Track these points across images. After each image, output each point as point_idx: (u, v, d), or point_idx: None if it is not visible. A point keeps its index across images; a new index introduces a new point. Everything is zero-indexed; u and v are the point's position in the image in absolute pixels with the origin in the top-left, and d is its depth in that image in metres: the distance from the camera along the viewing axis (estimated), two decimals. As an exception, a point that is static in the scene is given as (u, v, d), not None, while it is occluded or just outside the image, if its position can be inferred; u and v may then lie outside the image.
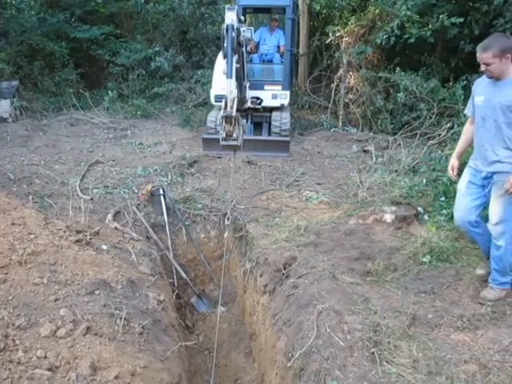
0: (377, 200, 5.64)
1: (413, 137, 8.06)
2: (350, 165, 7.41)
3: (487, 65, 3.29)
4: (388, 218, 5.04)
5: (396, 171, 6.74)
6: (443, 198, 5.32)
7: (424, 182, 5.76)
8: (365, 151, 8.07)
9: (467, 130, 3.82)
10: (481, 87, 3.54)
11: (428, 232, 4.78)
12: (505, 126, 3.34)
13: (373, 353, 2.96)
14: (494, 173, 3.44)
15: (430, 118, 8.19)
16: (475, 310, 3.48)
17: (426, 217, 5.10)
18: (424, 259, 4.20)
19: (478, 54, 3.34)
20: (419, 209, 5.19)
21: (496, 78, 3.37)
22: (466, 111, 3.83)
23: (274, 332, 3.73)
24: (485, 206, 3.67)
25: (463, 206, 3.67)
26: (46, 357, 2.88)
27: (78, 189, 6.05)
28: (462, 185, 3.72)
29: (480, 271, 3.91)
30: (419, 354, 2.96)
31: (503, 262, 3.53)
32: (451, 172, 3.82)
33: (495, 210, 3.45)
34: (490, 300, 3.52)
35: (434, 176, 5.97)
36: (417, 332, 3.19)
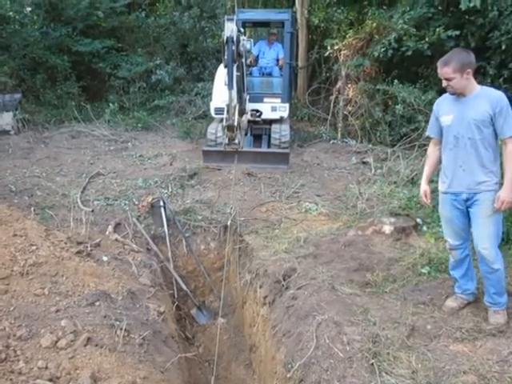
0: (376, 211, 5.68)
1: (411, 148, 8.10)
2: (349, 176, 7.46)
3: (448, 80, 3.25)
4: (387, 229, 5.06)
5: (395, 183, 6.78)
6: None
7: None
8: (364, 163, 8.12)
9: (432, 152, 3.69)
10: (446, 106, 3.45)
11: (427, 243, 4.81)
12: (480, 142, 3.26)
13: (372, 364, 2.97)
14: (475, 193, 3.33)
15: (429, 129, 8.24)
16: (474, 321, 3.49)
17: (424, 228, 5.13)
18: (423, 270, 4.22)
19: (438, 70, 3.31)
20: (418, 220, 5.22)
21: (459, 94, 3.32)
22: (428, 133, 3.71)
23: (274, 343, 3.75)
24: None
25: (453, 229, 3.56)
26: (47, 367, 2.90)
27: (78, 200, 6.08)
28: (445, 211, 3.60)
29: (453, 303, 3.66)
30: (418, 364, 2.97)
31: (501, 283, 3.42)
32: (425, 199, 3.72)
33: (486, 232, 3.32)
34: (503, 325, 3.36)
35: (432, 187, 6.00)
36: (416, 343, 3.21)
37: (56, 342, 3.16)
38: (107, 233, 5.29)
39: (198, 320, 5.33)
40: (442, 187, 3.57)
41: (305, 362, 3.10)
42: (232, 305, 5.44)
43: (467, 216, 3.45)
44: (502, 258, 3.37)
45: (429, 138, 8.04)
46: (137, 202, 6.12)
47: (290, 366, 3.20)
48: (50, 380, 2.79)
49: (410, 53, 8.66)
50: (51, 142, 9.29)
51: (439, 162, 3.74)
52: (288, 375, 3.13)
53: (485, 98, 3.25)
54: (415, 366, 2.96)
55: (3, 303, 3.40)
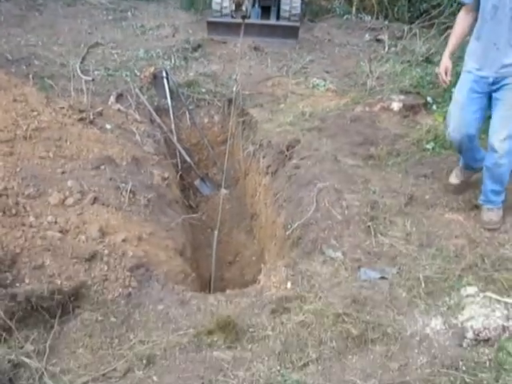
0: (385, 89, 5.52)
1: (430, 27, 7.61)
2: (360, 54, 7.11)
3: None
4: (395, 106, 4.96)
5: (408, 61, 6.49)
6: (454, 89, 5.19)
7: (436, 70, 5.56)
8: (378, 40, 7.70)
9: (463, 20, 3.13)
10: None
11: (435, 121, 4.75)
12: None
13: (368, 226, 3.09)
14: (505, 77, 2.90)
15: (451, 5, 7.65)
16: (472, 194, 3.54)
17: (434, 107, 5.03)
18: (427, 146, 4.21)
19: None
20: (428, 98, 5.10)
21: None
22: None
23: (275, 209, 3.88)
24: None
25: (463, 118, 3.13)
26: (56, 222, 3.02)
27: (78, 70, 5.88)
28: (460, 94, 3.16)
29: (455, 180, 3.55)
30: (413, 228, 3.10)
31: (502, 180, 3.14)
32: (444, 76, 3.20)
33: (506, 123, 2.95)
34: (497, 222, 3.17)
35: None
36: (412, 210, 3.30)
37: (64, 200, 3.26)
38: (109, 103, 5.19)
39: (201, 191, 5.46)
40: (466, 65, 3.11)
41: (304, 223, 3.23)
42: (235, 177, 5.55)
43: (486, 105, 3.06)
44: None
45: (450, 16, 7.48)
46: (139, 73, 5.92)
47: (289, 226, 3.34)
48: (60, 232, 2.93)
49: None
50: (45, 9, 8.72)
51: (468, 32, 3.23)
52: (287, 232, 3.28)
53: None
54: (410, 229, 3.09)
55: (10, 164, 3.44)
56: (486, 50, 2.94)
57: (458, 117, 3.16)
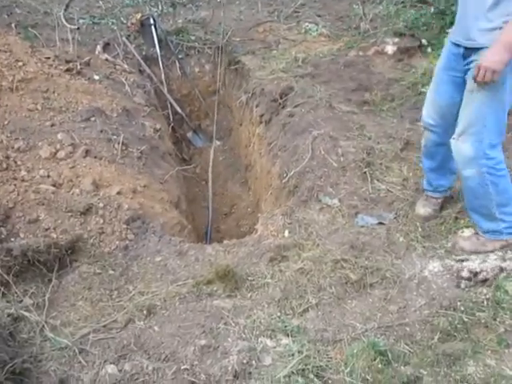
0: (379, 32, 5.36)
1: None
2: (354, -5, 6.87)
3: None
4: (390, 49, 4.88)
5: (402, 2, 6.26)
6: (450, 30, 5.05)
7: (432, 11, 5.37)
8: (371, -19, 7.41)
9: None
10: None
11: (430, 64, 4.63)
12: None
13: (365, 172, 3.08)
14: (475, 49, 2.24)
15: None
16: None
17: (429, 49, 4.93)
18: (423, 89, 4.12)
19: None
20: (423, 41, 4.99)
21: None
22: None
23: (270, 159, 3.84)
24: None
25: (436, 103, 2.51)
26: (48, 176, 2.98)
27: (62, 18, 5.63)
28: (436, 69, 2.60)
29: (423, 209, 2.74)
30: (409, 173, 3.08)
31: (480, 200, 2.38)
32: None
33: (467, 113, 2.27)
34: (463, 249, 2.47)
35: (442, 5, 5.56)
36: (409, 155, 3.27)
37: (55, 153, 3.19)
38: (96, 53, 5.01)
39: (194, 143, 5.38)
40: (450, 34, 2.50)
41: (299, 171, 3.21)
42: (228, 128, 5.46)
43: (461, 85, 2.37)
44: (485, 165, 2.26)
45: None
46: (125, 21, 5.68)
47: (285, 175, 3.32)
48: (53, 185, 2.88)
49: None
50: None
51: None
52: (283, 181, 3.26)
53: None
54: (406, 174, 3.08)
55: (-3, 117, 3.34)
56: (459, 10, 2.33)
57: (432, 98, 2.54)
